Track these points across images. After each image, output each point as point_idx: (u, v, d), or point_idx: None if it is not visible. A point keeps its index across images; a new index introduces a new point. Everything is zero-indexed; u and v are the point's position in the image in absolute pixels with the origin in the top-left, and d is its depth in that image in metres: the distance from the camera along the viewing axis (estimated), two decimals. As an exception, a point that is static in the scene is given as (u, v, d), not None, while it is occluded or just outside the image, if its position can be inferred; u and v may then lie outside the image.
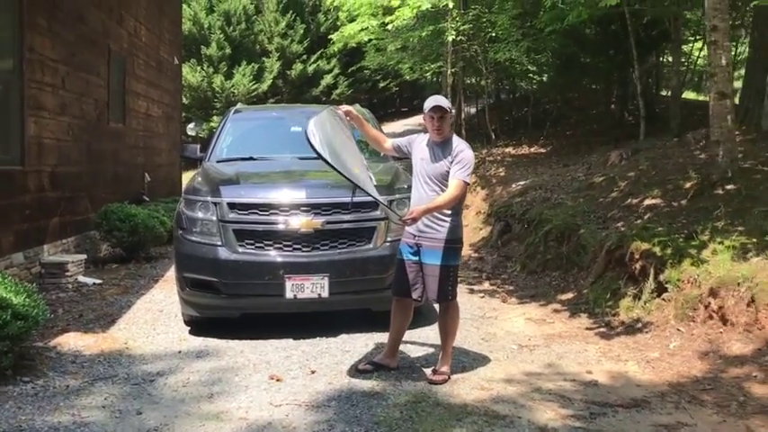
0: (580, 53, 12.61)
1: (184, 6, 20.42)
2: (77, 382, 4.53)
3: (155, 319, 6.20)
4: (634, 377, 4.77)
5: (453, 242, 4.59)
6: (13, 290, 4.59)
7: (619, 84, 13.54)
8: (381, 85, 27.31)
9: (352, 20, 21.68)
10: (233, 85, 23.25)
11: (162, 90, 13.15)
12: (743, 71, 11.55)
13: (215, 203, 5.50)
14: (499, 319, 6.36)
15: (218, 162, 6.58)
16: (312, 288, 5.34)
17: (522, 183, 10.54)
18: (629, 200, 7.96)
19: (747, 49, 9.73)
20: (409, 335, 5.19)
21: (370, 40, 15.81)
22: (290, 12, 24.89)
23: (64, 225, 8.36)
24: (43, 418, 3.91)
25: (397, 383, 4.54)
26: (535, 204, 9.28)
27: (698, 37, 15.39)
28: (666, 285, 5.87)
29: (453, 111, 4.74)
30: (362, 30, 13.35)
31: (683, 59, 16.65)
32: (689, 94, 17.52)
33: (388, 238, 5.56)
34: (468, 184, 4.65)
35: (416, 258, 4.64)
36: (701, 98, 18.45)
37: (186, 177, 15.85)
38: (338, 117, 4.74)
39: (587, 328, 6.00)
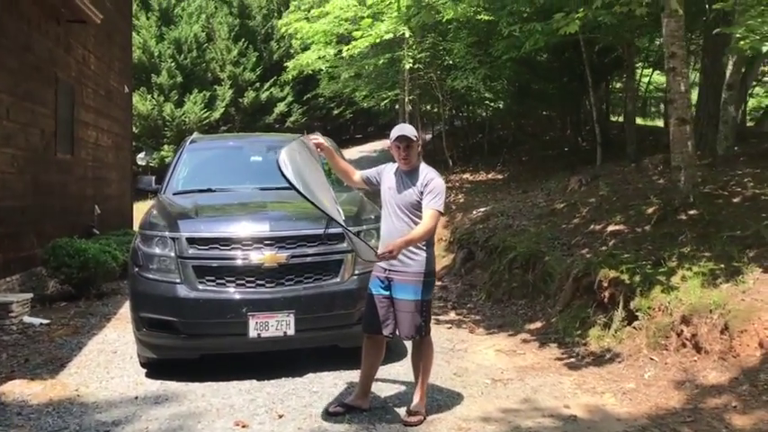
0: (535, 80, 12.72)
1: (134, 34, 20.07)
2: (25, 436, 4.20)
3: (108, 362, 5.85)
4: (612, 410, 4.65)
5: (426, 275, 4.42)
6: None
7: (572, 110, 13.69)
8: (336, 112, 27.23)
9: (305, 48, 21.64)
10: (184, 114, 22.88)
11: (112, 119, 12.77)
12: (694, 97, 11.80)
13: (173, 239, 5.23)
14: (469, 352, 6.20)
15: (174, 194, 6.31)
16: (277, 326, 5.10)
17: (482, 209, 10.48)
18: (593, 226, 7.94)
19: (699, 75, 9.92)
20: (379, 372, 4.97)
21: (324, 68, 15.71)
22: (243, 40, 24.70)
23: (7, 262, 7.93)
24: (-13, 479, 3.58)
25: (370, 426, 4.32)
26: (497, 231, 9.21)
27: (645, 64, 15.77)
28: (637, 313, 5.80)
29: (419, 139, 4.55)
30: (319, 58, 13.24)
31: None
32: (638, 120, 17.89)
33: (356, 272, 5.36)
34: (443, 214, 4.49)
35: (387, 293, 4.46)
36: (650, 124, 18.90)
37: (137, 208, 15.47)
38: (308, 147, 4.56)
39: (558, 359, 5.88)
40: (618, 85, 17.99)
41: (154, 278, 5.25)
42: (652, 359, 5.39)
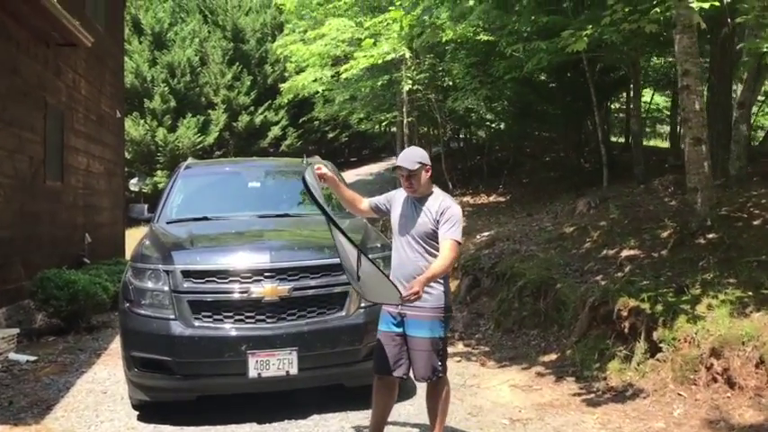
0: (537, 101, 12.48)
1: (126, 59, 19.82)
2: (4, 494, 3.81)
3: (98, 404, 5.47)
4: (644, 454, 4.29)
5: (442, 311, 4.08)
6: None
7: (575, 131, 13.46)
8: (330, 135, 26.99)
9: (299, 71, 21.46)
10: (177, 139, 22.59)
11: (103, 145, 12.44)
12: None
13: (167, 271, 4.87)
14: (482, 388, 5.83)
15: (168, 223, 5.97)
16: (279, 365, 4.74)
17: (486, 233, 10.16)
18: (605, 251, 7.62)
19: (706, 93, 9.70)
20: (389, 413, 4.62)
21: (319, 91, 15.45)
22: (237, 64, 24.51)
23: (-7, 295, 7.56)
24: None
25: (384, 477, 3.95)
26: (504, 257, 8.88)
27: (644, 84, 15.55)
28: (660, 345, 5.47)
29: (426, 165, 4.18)
30: (315, 80, 12.98)
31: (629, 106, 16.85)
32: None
33: (362, 305, 5.01)
34: (461, 244, 4.15)
35: (400, 330, 4.11)
36: (651, 144, 18.68)
37: (130, 236, 15.08)
38: (315, 176, 4.21)
39: (578, 395, 5.53)
40: (615, 105, 17.90)
41: (146, 314, 4.89)
42: (680, 395, 5.05)
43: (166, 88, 22.84)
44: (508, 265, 8.43)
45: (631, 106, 12.02)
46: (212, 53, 24.47)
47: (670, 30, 9.05)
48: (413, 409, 5.08)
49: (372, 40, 11.22)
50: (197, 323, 4.78)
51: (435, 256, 4.01)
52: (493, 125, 13.40)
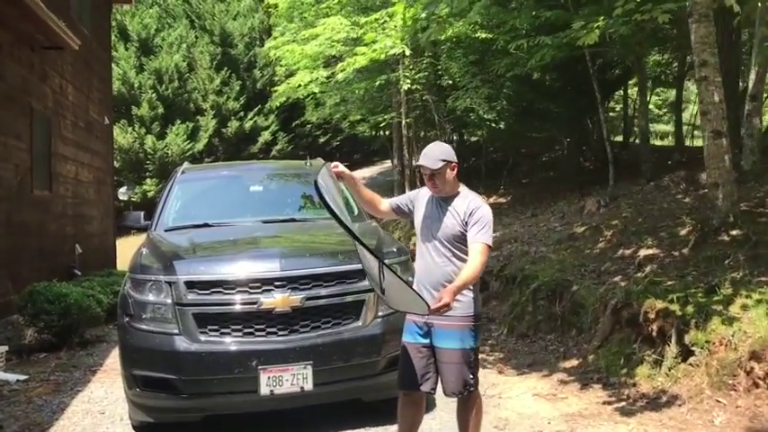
0: (538, 99, 12.20)
1: (113, 66, 19.42)
2: None
3: (95, 426, 5.11)
4: (690, 467, 3.99)
5: (473, 319, 3.76)
6: None
7: (576, 129, 13.20)
8: (322, 140, 26.65)
9: (290, 75, 21.09)
10: (166, 146, 22.24)
11: (92, 153, 12.06)
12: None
13: (169, 283, 4.52)
14: (504, 398, 5.52)
15: (166, 231, 5.60)
16: (293, 380, 4.39)
17: (492, 235, 9.83)
18: (621, 251, 7.33)
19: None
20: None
21: (310, 94, 15.09)
22: (225, 68, 24.19)
23: (-20, 311, 7.17)
24: None
25: (416, 502, 3.62)
26: (513, 259, 8.57)
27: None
28: (693, 349, 5.16)
29: (451, 162, 3.80)
30: (311, 81, 12.65)
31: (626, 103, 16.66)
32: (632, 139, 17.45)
33: (380, 313, 4.68)
34: (491, 247, 3.82)
35: (427, 341, 3.78)
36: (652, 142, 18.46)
37: (121, 245, 14.68)
38: (331, 176, 3.87)
39: (607, 403, 5.21)
40: (612, 104, 17.68)
41: (148, 329, 4.53)
42: (719, 402, 4.74)
43: (154, 95, 22.49)
44: (518, 268, 8.12)
45: (636, 103, 11.80)
46: (200, 58, 24.12)
47: (675, 23, 8.86)
48: (435, 424, 4.76)
49: (374, 34, 10.89)
50: (203, 338, 4.43)
51: (464, 260, 3.69)
52: (493, 125, 13.13)
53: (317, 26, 13.44)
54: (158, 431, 4.73)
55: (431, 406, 4.97)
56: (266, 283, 4.47)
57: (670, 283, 5.96)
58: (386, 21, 11.16)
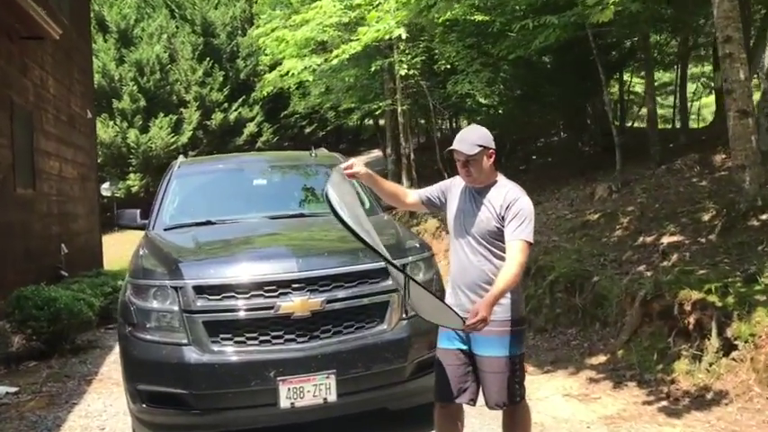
0: (539, 83, 11.82)
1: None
2: None
3: (96, 444, 4.70)
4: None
5: (518, 323, 3.39)
6: None
7: (577, 114, 12.86)
8: (308, 130, 26.15)
9: (275, 65, 20.56)
10: (150, 140, 21.67)
11: (75, 148, 11.54)
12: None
13: (176, 288, 4.10)
14: (534, 399, 5.13)
15: (165, 230, 5.17)
16: (315, 391, 4.00)
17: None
18: (641, 238, 7.01)
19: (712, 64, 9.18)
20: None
21: (301, 83, 14.59)
22: (207, 59, 23.61)
23: (-36, 320, 6.71)
24: None
25: None
26: (524, 249, 8.20)
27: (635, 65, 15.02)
28: (736, 342, 4.84)
29: (488, 149, 3.37)
30: (305, 68, 12.18)
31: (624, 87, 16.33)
32: (633, 124, 17.16)
33: (404, 315, 4.30)
34: (532, 244, 3.41)
35: (465, 347, 3.41)
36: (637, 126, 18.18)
37: (108, 243, 14.18)
38: (343, 176, 3.43)
39: (647, 403, 4.89)
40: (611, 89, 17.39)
41: (153, 339, 4.12)
42: (771, 399, 4.43)
43: (135, 87, 21.89)
44: (532, 259, 7.73)
45: (629, 87, 11.44)
46: (181, 49, 23.53)
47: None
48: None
49: (376, 13, 10.43)
50: (215, 347, 4.03)
51: (503, 258, 3.31)
52: (491, 110, 12.75)
53: (303, 12, 12.99)
54: (166, 449, 4.32)
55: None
56: (283, 286, 4.07)
57: (702, 272, 5.64)
58: (380, 3, 10.72)
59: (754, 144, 6.31)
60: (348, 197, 3.35)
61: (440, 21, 10.28)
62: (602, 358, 5.89)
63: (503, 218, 3.29)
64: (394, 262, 3.15)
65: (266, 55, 22.21)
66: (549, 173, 12.41)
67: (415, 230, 10.66)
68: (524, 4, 9.94)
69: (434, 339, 3.57)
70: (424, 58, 11.96)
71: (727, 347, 4.91)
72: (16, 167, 8.38)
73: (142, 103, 21.93)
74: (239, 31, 24.92)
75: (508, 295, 3.32)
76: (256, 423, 4.16)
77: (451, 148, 3.39)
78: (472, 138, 3.38)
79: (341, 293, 4.16)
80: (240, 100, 23.94)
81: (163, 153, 21.63)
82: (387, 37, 10.33)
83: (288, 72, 12.45)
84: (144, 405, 4.13)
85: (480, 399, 3.43)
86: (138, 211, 5.64)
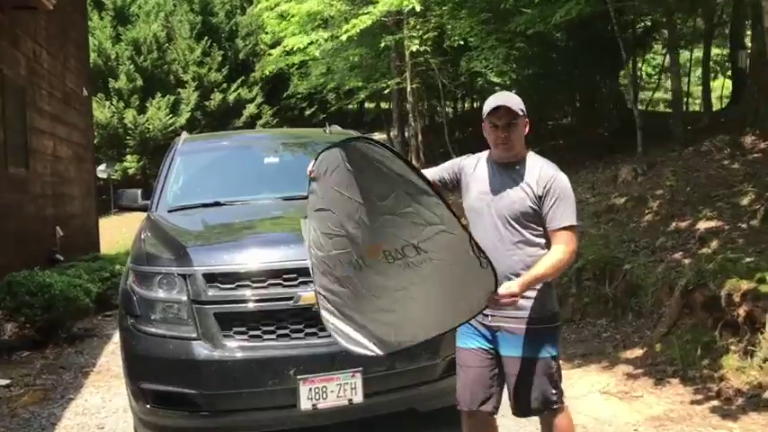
0: (556, 61, 11.32)
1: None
2: None
3: (94, 446, 4.29)
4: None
5: (551, 319, 2.99)
6: None
7: (591, 93, 12.38)
8: (308, 112, 25.63)
9: (275, 44, 19.98)
10: (147, 120, 21.14)
11: (71, 126, 11.06)
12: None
13: (183, 276, 3.67)
14: (570, 398, 4.69)
15: (170, 212, 4.73)
16: (339, 391, 3.59)
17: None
18: (674, 223, 6.59)
19: (751, 44, 8.72)
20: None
21: (305, 61, 14.06)
22: (206, 38, 23.05)
23: (-48, 306, 6.28)
24: None
25: None
26: (545, 235, 7.80)
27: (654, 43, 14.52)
28: (793, 336, 4.44)
29: (526, 117, 3.01)
30: (312, 43, 11.67)
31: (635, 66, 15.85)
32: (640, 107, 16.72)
33: (437, 306, 3.87)
34: (576, 228, 2.97)
35: (491, 346, 3.01)
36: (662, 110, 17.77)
37: (104, 226, 13.73)
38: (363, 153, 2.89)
39: (696, 402, 4.50)
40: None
41: (158, 333, 3.69)
42: (837, 400, 4.03)
43: (132, 66, 21.36)
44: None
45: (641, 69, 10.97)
46: (179, 27, 22.97)
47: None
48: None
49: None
50: (228, 342, 3.60)
51: (537, 245, 2.92)
52: (505, 90, 12.25)
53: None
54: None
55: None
56: (304, 274, 3.62)
57: (750, 259, 5.21)
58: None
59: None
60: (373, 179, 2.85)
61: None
62: (638, 352, 5.49)
63: (539, 197, 2.88)
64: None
65: (266, 33, 21.73)
66: (563, 155, 11.90)
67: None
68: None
69: None
70: (435, 33, 11.46)
71: (783, 342, 4.52)
72: (8, 145, 7.92)
73: (139, 82, 21.40)
74: (238, 10, 24.38)
75: (541, 287, 2.91)
76: (274, 426, 3.74)
77: (497, 104, 2.92)
78: (514, 101, 2.96)
79: (367, 282, 3.73)
80: (239, 80, 23.41)
81: (160, 134, 21.15)
82: (400, 8, 9.82)
83: (294, 48, 11.93)
84: (148, 405, 3.71)
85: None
86: (140, 191, 5.21)
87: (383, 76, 14.32)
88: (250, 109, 23.39)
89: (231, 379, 3.57)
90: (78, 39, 12.20)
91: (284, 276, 3.64)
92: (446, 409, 3.89)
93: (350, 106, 25.10)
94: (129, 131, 21.03)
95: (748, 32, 11.24)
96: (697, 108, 15.65)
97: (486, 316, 2.92)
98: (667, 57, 15.00)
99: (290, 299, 3.60)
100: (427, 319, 2.84)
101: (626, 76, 10.24)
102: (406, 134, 14.28)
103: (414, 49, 11.17)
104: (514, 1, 9.93)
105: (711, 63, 17.20)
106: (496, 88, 12.49)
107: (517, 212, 2.91)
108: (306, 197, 4.81)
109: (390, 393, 3.77)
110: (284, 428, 3.78)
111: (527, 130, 3.02)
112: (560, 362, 3.08)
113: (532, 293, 2.90)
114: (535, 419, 3.15)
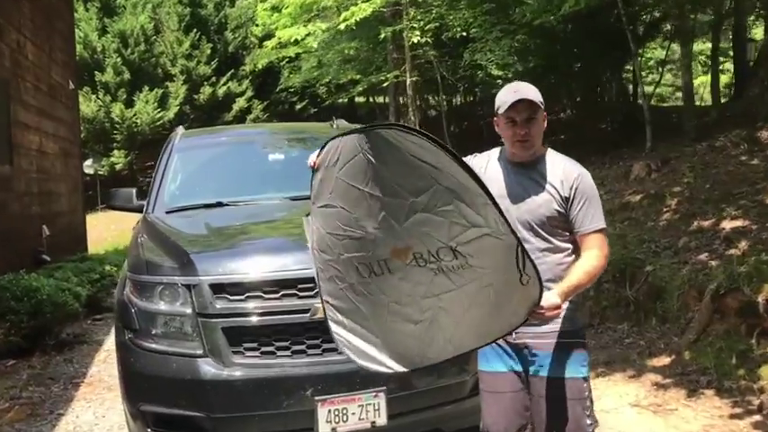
0: (561, 54, 10.99)
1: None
2: None
3: (88, 470, 3.93)
4: None
5: (581, 334, 2.71)
6: None
7: (595, 87, 12.07)
8: (298, 106, 25.18)
9: (265, 37, 19.55)
10: (135, 114, 20.62)
11: (57, 121, 10.62)
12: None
13: (188, 286, 3.31)
14: (600, 411, 4.41)
15: (168, 213, 4.37)
16: (361, 413, 3.26)
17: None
18: (696, 222, 6.29)
19: (764, 35, 8.43)
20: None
21: (299, 54, 13.66)
22: (194, 30, 22.50)
23: (-69, 313, 5.88)
24: None
25: None
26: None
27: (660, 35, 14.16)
28: (839, 346, 4.16)
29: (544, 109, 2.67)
30: (309, 34, 11.29)
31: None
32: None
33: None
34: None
35: (519, 368, 2.69)
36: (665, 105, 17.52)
37: (90, 224, 13.28)
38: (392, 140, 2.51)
39: (735, 416, 4.20)
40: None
41: (160, 349, 3.34)
42: None
43: (119, 59, 20.82)
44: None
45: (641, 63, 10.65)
46: (167, 20, 22.42)
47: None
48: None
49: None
50: (238, 359, 3.25)
51: (565, 251, 2.62)
52: (506, 84, 11.92)
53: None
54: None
55: None
56: (321, 284, 3.29)
57: (786, 262, 4.93)
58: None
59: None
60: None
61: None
62: (665, 360, 5.19)
63: (566, 199, 2.57)
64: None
65: (257, 26, 21.28)
66: (566, 152, 11.60)
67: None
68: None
69: None
70: (437, 24, 11.09)
71: (829, 352, 4.23)
72: (-9, 141, 7.51)
73: (126, 76, 20.87)
74: (227, 2, 23.88)
75: (574, 300, 2.61)
76: (289, 452, 3.39)
77: (519, 97, 2.54)
78: (533, 92, 2.60)
79: (390, 292, 3.39)
80: (229, 74, 22.90)
81: (148, 129, 20.67)
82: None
83: (291, 39, 11.53)
84: (149, 429, 3.36)
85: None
86: (134, 190, 4.81)
87: (379, 70, 13.95)
88: (240, 103, 22.89)
89: (241, 400, 3.23)
90: (64, 30, 11.75)
91: (299, 286, 3.29)
92: (472, 429, 3.59)
93: (340, 100, 24.74)
94: (117, 126, 20.52)
95: (756, 25, 11.00)
96: (697, 102, 15.39)
97: (511, 333, 2.57)
98: (668, 50, 14.81)
99: (306, 311, 3.25)
100: (458, 333, 2.48)
101: (633, 68, 9.91)
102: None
103: (415, 40, 10.82)
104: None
105: (704, 58, 16.98)
106: (498, 81, 12.16)
107: (542, 217, 2.59)
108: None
109: (416, 414, 3.44)
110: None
111: (545, 124, 2.68)
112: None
113: (570, 305, 2.60)
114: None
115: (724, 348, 4.84)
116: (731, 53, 13.54)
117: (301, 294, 3.28)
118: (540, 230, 2.60)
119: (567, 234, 2.63)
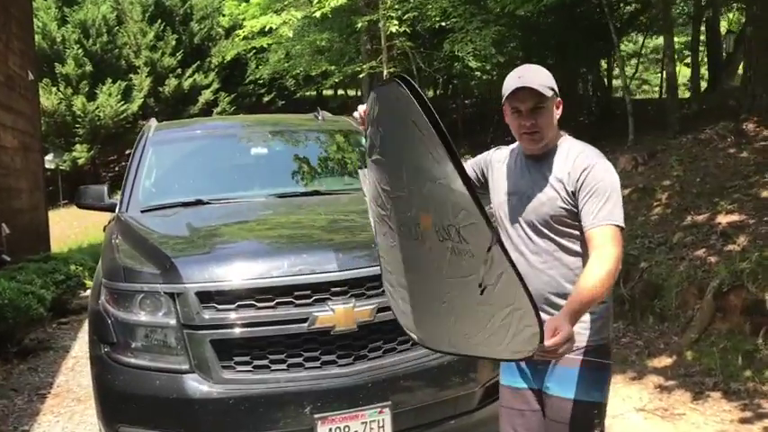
0: (535, 45, 10.80)
1: (31, 16, 17.06)
2: None
3: (59, 495, 3.58)
4: None
5: (604, 351, 2.38)
6: None
7: (574, 79, 11.92)
8: (266, 99, 24.73)
9: (232, 28, 19.08)
10: (97, 108, 20.00)
11: (15, 113, 10.07)
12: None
13: (171, 294, 2.99)
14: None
15: (143, 212, 4.02)
16: (365, 431, 2.98)
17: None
18: (690, 217, 6.13)
19: (745, 26, 8.33)
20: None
21: (290, 35, 13.16)
22: (159, 21, 21.92)
23: None
24: None
25: None
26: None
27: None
28: None
29: (557, 95, 2.31)
30: (284, 23, 10.88)
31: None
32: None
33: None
34: (623, 229, 2.30)
35: (535, 385, 2.45)
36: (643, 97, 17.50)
37: (53, 220, 12.74)
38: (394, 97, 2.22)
39: (745, 420, 4.02)
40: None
41: (141, 365, 3.01)
42: None
43: (80, 50, 20.15)
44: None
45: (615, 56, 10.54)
46: (130, 10, 21.79)
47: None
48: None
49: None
50: (228, 375, 2.94)
51: (578, 254, 2.32)
52: (483, 76, 11.70)
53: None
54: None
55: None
56: (320, 290, 3.00)
57: (789, 259, 4.77)
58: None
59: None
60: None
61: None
62: (666, 360, 5.00)
63: (574, 194, 2.27)
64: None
65: (224, 16, 20.80)
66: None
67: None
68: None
69: None
70: (416, 13, 10.80)
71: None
72: (-55, 134, 7.02)
73: (88, 68, 20.21)
74: (192, -8, 23.32)
75: (597, 308, 2.29)
76: (285, 475, 3.10)
77: (516, 86, 2.26)
78: (540, 77, 2.30)
79: (393, 299, 3.11)
80: (194, 66, 22.38)
81: (112, 122, 20.09)
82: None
83: (265, 27, 11.11)
84: (130, 454, 3.03)
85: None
86: (106, 187, 4.46)
87: (352, 61, 13.62)
88: (206, 95, 22.40)
89: (233, 420, 2.92)
90: (21, 17, 11.17)
91: (296, 294, 2.99)
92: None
93: (308, 93, 24.34)
94: (78, 119, 19.87)
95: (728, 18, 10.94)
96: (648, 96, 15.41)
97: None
98: (643, 44, 14.75)
99: (304, 321, 2.96)
100: (455, 330, 2.18)
101: (612, 61, 9.77)
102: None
103: (393, 29, 10.51)
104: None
105: (678, 50, 17.06)
106: (477, 73, 11.90)
107: (546, 216, 2.31)
108: (302, 194, 4.27)
109: (423, 429, 3.17)
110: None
111: (560, 111, 2.36)
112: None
113: (594, 314, 2.32)
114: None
115: (728, 348, 4.68)
116: (703, 47, 13.55)
117: (298, 302, 2.98)
118: (546, 232, 2.32)
119: (578, 233, 2.35)
